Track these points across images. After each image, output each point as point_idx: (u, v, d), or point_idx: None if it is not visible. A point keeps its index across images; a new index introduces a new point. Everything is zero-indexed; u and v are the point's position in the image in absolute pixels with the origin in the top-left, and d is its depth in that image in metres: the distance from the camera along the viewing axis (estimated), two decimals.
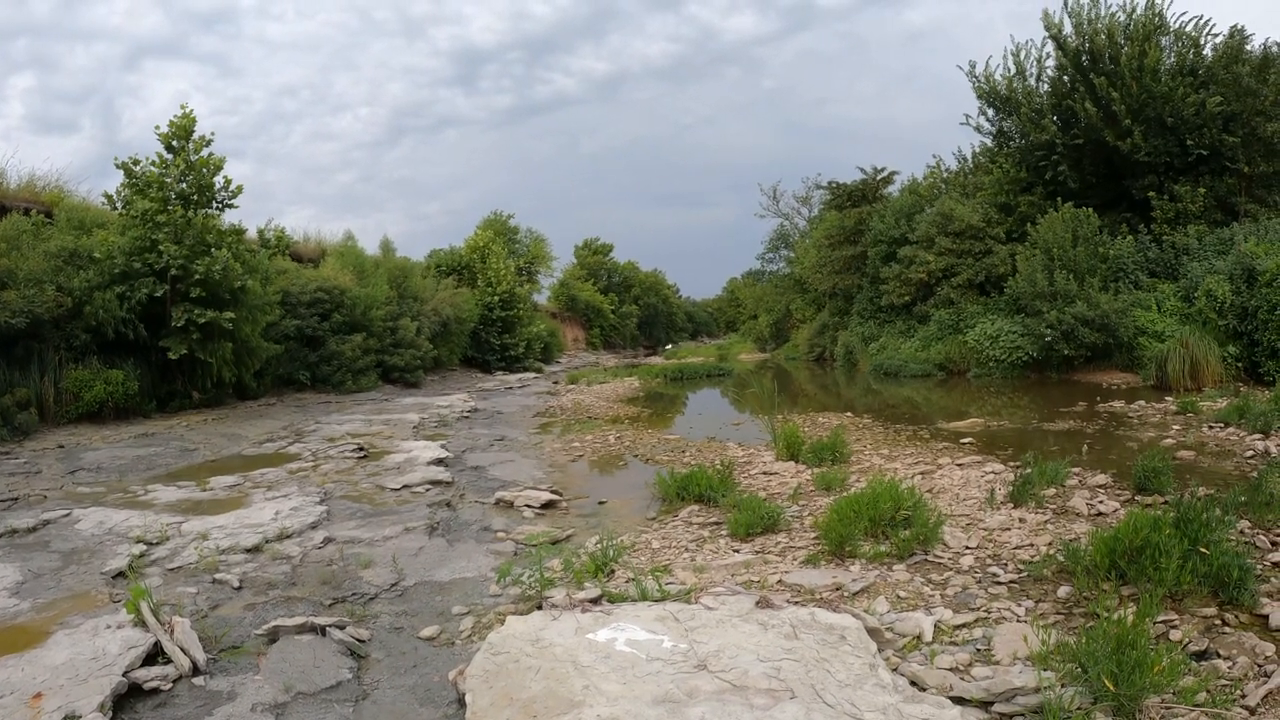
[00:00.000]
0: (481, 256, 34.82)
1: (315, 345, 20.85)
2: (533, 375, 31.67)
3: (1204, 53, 21.05)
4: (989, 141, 26.60)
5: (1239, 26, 20.67)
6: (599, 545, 6.08)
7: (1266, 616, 4.41)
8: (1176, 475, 7.50)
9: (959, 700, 3.58)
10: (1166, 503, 6.15)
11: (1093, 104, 20.96)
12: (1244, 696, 3.58)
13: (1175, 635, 4.18)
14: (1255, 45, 20.68)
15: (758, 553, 6.20)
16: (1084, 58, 21.81)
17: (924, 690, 3.66)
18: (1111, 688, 3.41)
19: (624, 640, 3.96)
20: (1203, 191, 20.45)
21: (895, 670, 3.91)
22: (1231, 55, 20.27)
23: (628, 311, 64.57)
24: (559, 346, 42.88)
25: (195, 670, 4.27)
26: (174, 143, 15.65)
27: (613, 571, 5.79)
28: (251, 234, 21.39)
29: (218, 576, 5.86)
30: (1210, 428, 10.71)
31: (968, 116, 26.34)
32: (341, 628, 4.84)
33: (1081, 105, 21.13)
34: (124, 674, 4.06)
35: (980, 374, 21.62)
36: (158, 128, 15.59)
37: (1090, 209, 20.92)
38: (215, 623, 5.02)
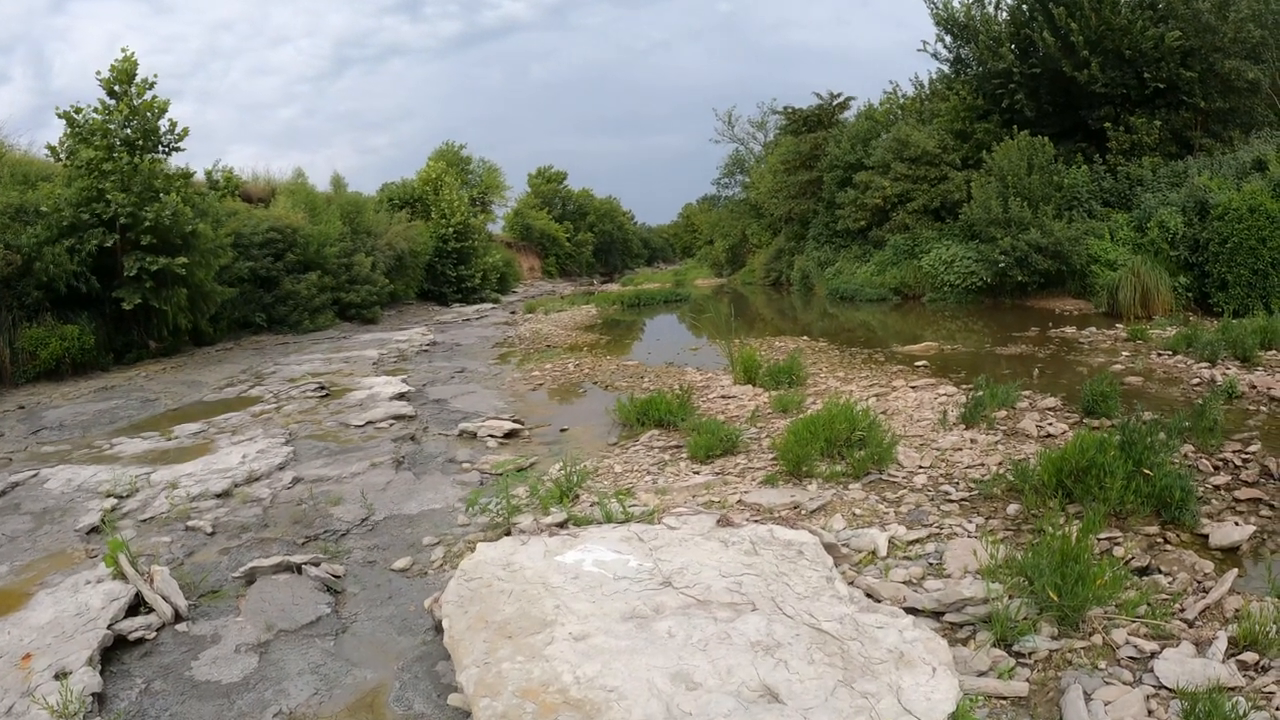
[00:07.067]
0: (434, 188, 34.08)
1: (270, 286, 20.43)
2: (490, 306, 31.40)
3: None
4: (946, 68, 26.47)
5: None
6: (563, 471, 6.20)
7: (1206, 536, 4.69)
8: (1124, 400, 7.79)
9: (912, 610, 3.80)
10: (1113, 426, 6.34)
11: (1051, 34, 20.88)
12: (1183, 610, 3.83)
13: (1119, 552, 4.43)
14: None
15: (717, 474, 6.39)
16: None
17: (879, 601, 3.87)
18: (1056, 599, 3.63)
19: (591, 561, 4.11)
20: (1158, 124, 20.61)
21: (851, 583, 4.11)
22: None
23: (583, 239, 63.67)
24: (515, 276, 42.38)
25: (178, 617, 4.35)
26: (116, 88, 14.97)
27: (578, 496, 5.94)
28: (199, 177, 20.74)
29: (190, 524, 5.88)
30: (1159, 355, 11.08)
31: (925, 43, 26.21)
32: (316, 565, 4.94)
33: (1040, 35, 21.06)
34: (109, 627, 4.11)
35: (935, 299, 21.97)
36: (99, 73, 14.91)
37: (1046, 138, 21.01)
38: (192, 569, 5.08)
